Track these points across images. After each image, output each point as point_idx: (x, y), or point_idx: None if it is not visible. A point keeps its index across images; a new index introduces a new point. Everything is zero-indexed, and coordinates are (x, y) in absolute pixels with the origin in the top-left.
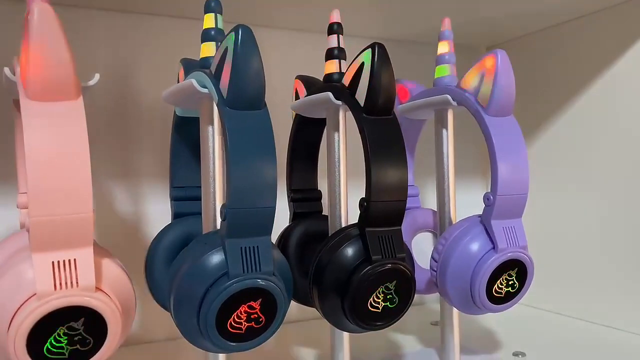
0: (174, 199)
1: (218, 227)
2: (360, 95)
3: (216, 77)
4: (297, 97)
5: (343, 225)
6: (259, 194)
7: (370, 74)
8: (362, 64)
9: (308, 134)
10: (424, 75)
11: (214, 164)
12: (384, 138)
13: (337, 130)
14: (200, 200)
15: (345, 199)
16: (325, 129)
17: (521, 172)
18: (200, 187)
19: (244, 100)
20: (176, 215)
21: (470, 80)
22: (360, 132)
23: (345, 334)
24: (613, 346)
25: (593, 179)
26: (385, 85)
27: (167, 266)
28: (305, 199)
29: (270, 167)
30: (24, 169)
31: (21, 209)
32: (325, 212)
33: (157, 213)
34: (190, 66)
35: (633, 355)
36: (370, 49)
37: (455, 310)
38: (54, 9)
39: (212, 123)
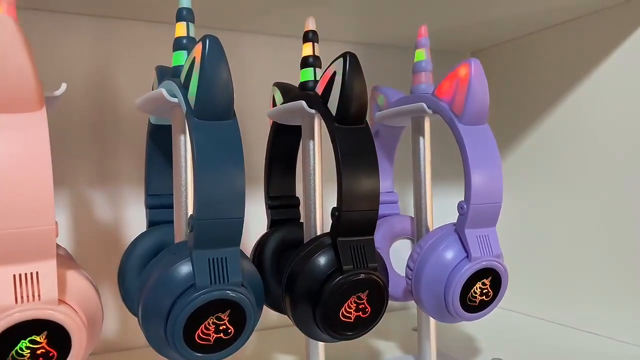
0: (149, 206)
1: None
2: (332, 104)
3: (185, 87)
4: (274, 104)
5: (318, 234)
6: (226, 205)
7: (342, 83)
8: (334, 73)
9: (285, 141)
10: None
11: (185, 173)
12: (356, 147)
13: (312, 138)
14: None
15: (321, 206)
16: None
17: (495, 181)
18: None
19: (212, 110)
20: (151, 223)
21: (445, 89)
22: (332, 141)
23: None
24: (590, 351)
25: (572, 186)
26: (357, 95)
27: (139, 274)
28: (283, 206)
29: (238, 177)
30: None
31: None
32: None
33: (136, 220)
34: (164, 74)
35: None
36: (342, 58)
37: (432, 324)
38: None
39: (184, 132)
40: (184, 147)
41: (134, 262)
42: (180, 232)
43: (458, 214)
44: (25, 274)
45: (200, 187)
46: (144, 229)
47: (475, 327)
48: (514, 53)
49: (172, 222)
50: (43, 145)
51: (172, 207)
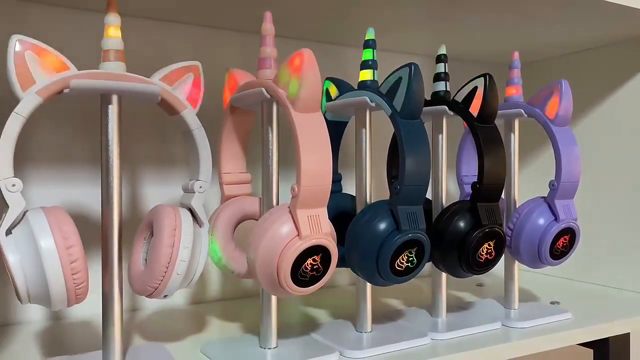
0: None
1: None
2: (474, 109)
3: (389, 97)
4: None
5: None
6: (422, 175)
7: (484, 96)
8: (475, 87)
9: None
10: None
11: (366, 154)
12: (492, 138)
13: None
14: (337, 182)
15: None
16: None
17: (576, 165)
18: (337, 173)
19: (411, 113)
20: None
21: (540, 100)
22: (473, 136)
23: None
24: (617, 299)
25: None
26: (494, 103)
27: None
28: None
29: (428, 157)
30: (230, 155)
31: (225, 185)
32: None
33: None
34: (344, 85)
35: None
36: (483, 78)
37: (516, 270)
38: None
39: (365, 126)
40: (365, 137)
41: None
42: (361, 197)
43: (549, 189)
44: (313, 215)
45: (407, 163)
46: None
47: (531, 283)
48: (541, 71)
49: (337, 192)
50: (326, 132)
51: (335, 182)
